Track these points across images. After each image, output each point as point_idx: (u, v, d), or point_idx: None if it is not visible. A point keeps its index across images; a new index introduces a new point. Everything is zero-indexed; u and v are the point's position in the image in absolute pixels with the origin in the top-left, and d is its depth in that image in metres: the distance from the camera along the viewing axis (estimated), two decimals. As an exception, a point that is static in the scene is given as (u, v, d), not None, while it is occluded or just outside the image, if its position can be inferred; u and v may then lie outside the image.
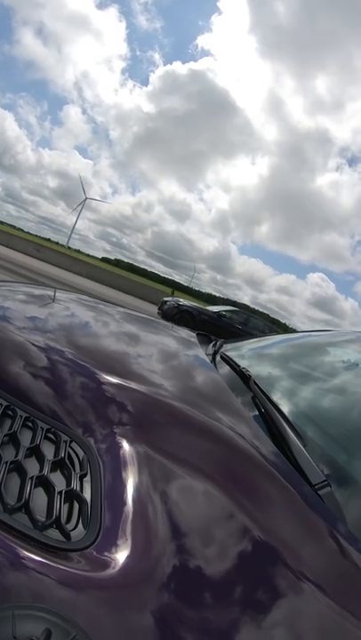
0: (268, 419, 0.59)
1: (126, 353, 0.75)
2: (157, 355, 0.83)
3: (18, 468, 0.36)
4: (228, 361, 0.89)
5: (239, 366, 0.81)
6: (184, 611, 0.29)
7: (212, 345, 1.10)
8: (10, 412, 0.41)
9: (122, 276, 18.32)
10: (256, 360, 1.06)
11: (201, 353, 0.94)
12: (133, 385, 0.55)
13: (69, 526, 0.33)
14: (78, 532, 0.32)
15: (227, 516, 0.40)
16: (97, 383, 0.53)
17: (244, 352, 1.11)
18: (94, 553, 0.31)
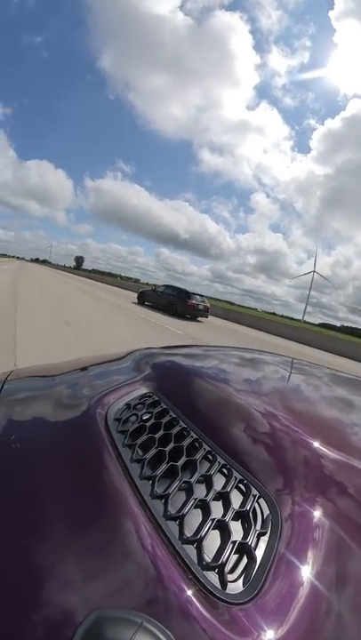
0: None
1: (338, 419, 0.69)
2: None
3: (204, 506, 0.38)
4: None
5: None
6: None
7: None
8: (210, 457, 0.45)
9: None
10: None
11: None
12: (344, 458, 0.49)
13: (230, 577, 0.32)
14: (235, 587, 0.31)
15: None
16: (304, 449, 0.50)
17: None
18: (242, 614, 0.29)
